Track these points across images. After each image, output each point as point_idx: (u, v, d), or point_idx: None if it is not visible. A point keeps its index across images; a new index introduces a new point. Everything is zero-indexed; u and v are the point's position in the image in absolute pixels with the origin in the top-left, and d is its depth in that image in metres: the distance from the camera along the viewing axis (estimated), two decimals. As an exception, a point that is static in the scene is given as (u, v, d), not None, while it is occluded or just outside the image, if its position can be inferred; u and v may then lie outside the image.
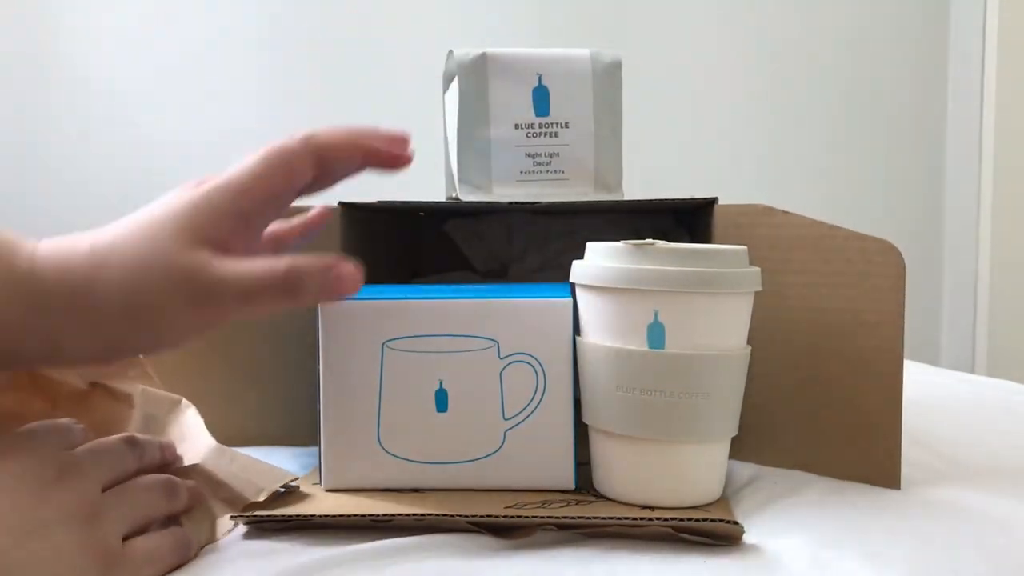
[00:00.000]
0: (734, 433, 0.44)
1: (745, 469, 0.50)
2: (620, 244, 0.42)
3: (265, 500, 0.42)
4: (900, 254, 0.47)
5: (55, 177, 1.63)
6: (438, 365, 0.45)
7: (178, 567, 0.36)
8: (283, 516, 0.40)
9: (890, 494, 0.46)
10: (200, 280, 0.33)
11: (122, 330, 0.33)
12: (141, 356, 0.36)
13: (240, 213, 0.34)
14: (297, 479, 0.44)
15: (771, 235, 0.51)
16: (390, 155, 0.37)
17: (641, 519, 0.39)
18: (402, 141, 0.38)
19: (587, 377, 0.44)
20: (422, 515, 0.39)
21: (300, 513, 0.40)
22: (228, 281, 0.33)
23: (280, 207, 0.36)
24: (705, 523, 0.38)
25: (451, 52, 0.59)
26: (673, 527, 0.38)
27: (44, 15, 1.61)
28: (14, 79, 1.62)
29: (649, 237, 0.47)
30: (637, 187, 0.66)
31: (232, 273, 0.33)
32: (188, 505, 0.38)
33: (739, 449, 0.49)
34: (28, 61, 1.61)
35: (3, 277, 0.32)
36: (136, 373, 0.45)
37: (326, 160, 0.36)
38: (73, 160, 1.62)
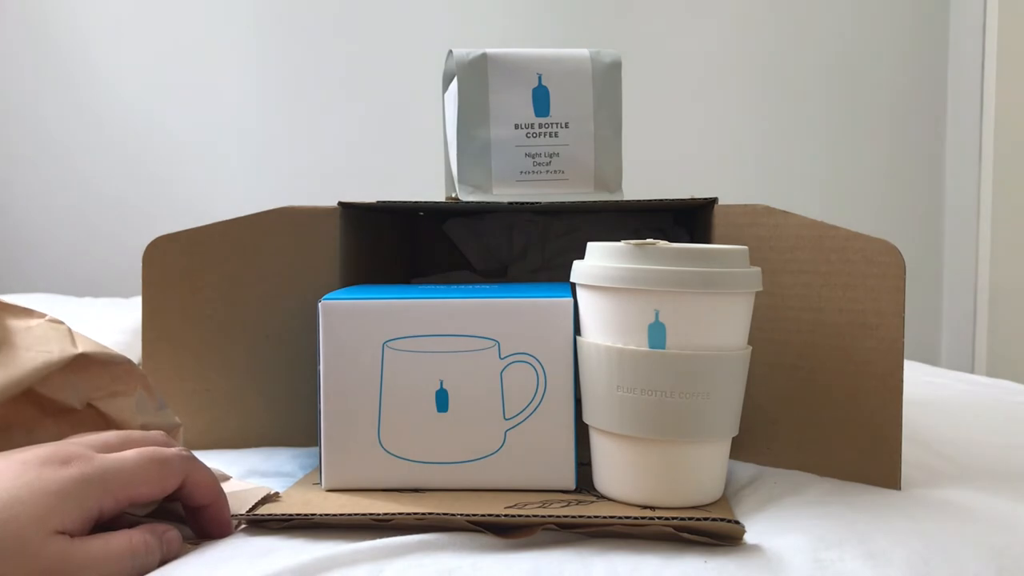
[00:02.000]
0: (734, 433, 0.44)
1: (745, 469, 0.50)
2: (621, 244, 0.42)
3: (266, 500, 0.42)
4: (900, 254, 0.47)
5: (58, 173, 1.63)
6: (438, 365, 0.45)
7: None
8: (284, 515, 0.40)
9: (890, 494, 0.46)
10: (63, 569, 0.33)
11: None
12: None
13: (102, 510, 0.35)
14: (277, 493, 0.44)
15: (771, 235, 0.51)
16: (219, 524, 0.40)
17: (642, 518, 0.39)
18: (229, 530, 0.40)
19: (587, 377, 0.44)
20: (423, 514, 0.39)
21: (301, 512, 0.40)
22: (89, 565, 0.33)
23: (139, 509, 0.39)
24: (706, 522, 0.38)
25: (451, 52, 0.59)
26: (674, 526, 0.38)
27: (45, 8, 1.61)
28: (14, 74, 1.62)
29: (649, 237, 0.47)
30: (637, 187, 0.66)
31: (92, 558, 0.34)
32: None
33: (739, 449, 0.49)
34: (29, 55, 1.61)
35: None
36: (127, 402, 0.43)
37: (186, 486, 0.38)
38: (76, 155, 1.62)
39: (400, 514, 0.40)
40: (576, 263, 0.45)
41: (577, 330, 0.45)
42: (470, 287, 0.51)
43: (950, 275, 1.50)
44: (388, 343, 0.45)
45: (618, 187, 0.61)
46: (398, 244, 0.74)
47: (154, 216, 1.55)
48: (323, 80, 1.58)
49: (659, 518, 0.39)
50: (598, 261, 0.44)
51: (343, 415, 0.45)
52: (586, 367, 0.44)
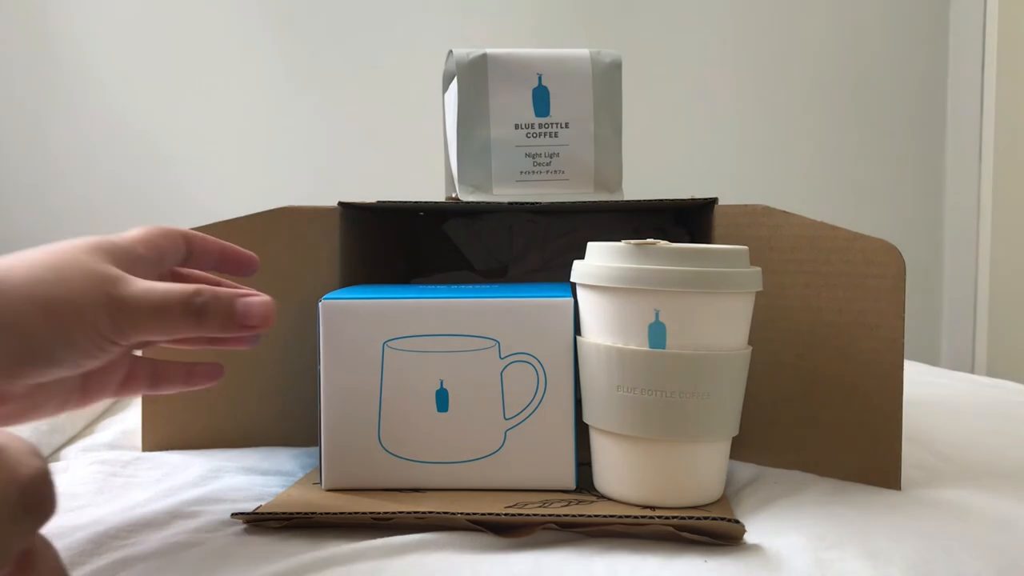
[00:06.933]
0: (734, 433, 0.44)
1: (745, 469, 0.50)
2: (621, 244, 0.42)
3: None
4: (900, 254, 0.47)
5: (57, 174, 1.63)
6: (439, 365, 0.45)
7: None
8: (284, 514, 0.40)
9: (890, 494, 0.46)
10: (118, 289, 0.34)
11: (34, 326, 0.32)
12: (50, 377, 0.35)
13: (136, 255, 0.37)
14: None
15: (771, 235, 0.51)
16: (239, 261, 0.43)
17: (642, 518, 0.39)
18: (251, 259, 0.44)
19: (588, 377, 0.44)
20: (423, 513, 0.39)
21: (301, 511, 0.40)
22: (141, 294, 0.34)
23: (161, 265, 0.40)
24: (706, 521, 0.38)
25: (451, 52, 0.59)
26: (674, 525, 0.38)
27: (44, 8, 1.61)
28: (14, 75, 1.62)
29: (649, 237, 0.47)
30: (637, 187, 0.66)
31: (145, 287, 0.35)
32: None
33: (739, 449, 0.49)
34: (28, 56, 1.61)
35: None
36: None
37: (192, 242, 0.41)
38: (75, 155, 1.62)
39: (400, 513, 0.40)
40: (576, 263, 0.45)
41: (577, 330, 0.45)
42: (470, 287, 0.51)
43: (950, 275, 1.50)
44: (388, 343, 0.45)
45: (618, 187, 0.61)
46: (398, 244, 0.74)
47: (154, 217, 1.55)
48: (323, 80, 1.58)
49: (659, 517, 0.39)
50: (598, 261, 0.44)
51: (343, 415, 0.45)
52: (586, 367, 0.44)
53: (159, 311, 0.35)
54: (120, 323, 0.34)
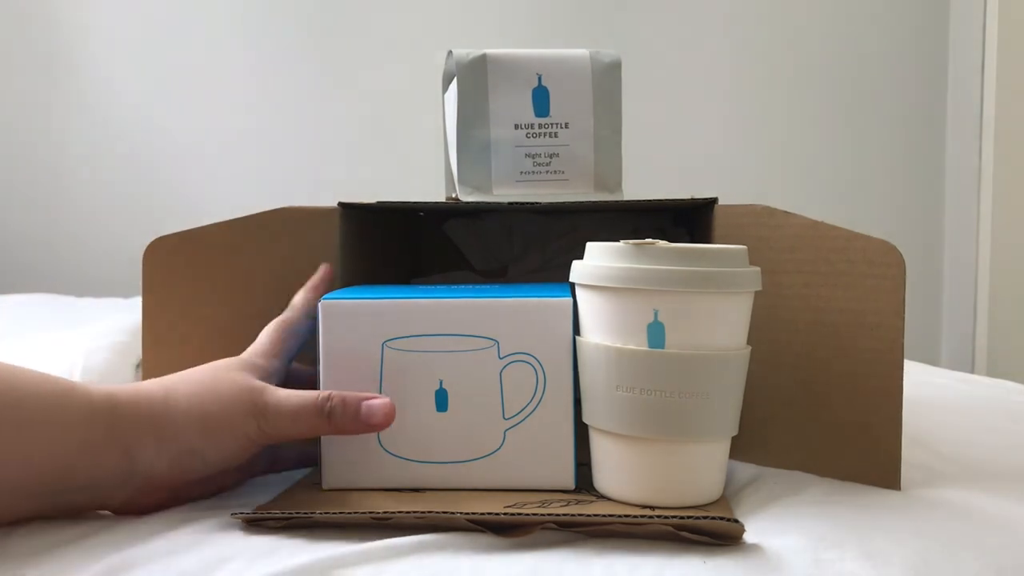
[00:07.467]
0: (734, 433, 0.44)
1: (745, 469, 0.50)
2: (620, 244, 0.42)
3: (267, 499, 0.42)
4: (900, 254, 0.47)
5: (58, 173, 1.63)
6: (438, 365, 0.45)
7: None
8: (283, 514, 0.40)
9: (890, 494, 0.46)
10: (262, 398, 0.41)
11: (192, 438, 0.40)
12: (202, 475, 0.42)
13: (274, 369, 0.45)
14: None
15: (771, 235, 0.51)
16: (322, 287, 0.52)
17: (641, 517, 0.39)
18: (328, 277, 0.53)
19: (587, 377, 0.44)
20: (422, 513, 0.39)
21: (300, 511, 0.40)
22: (282, 404, 0.41)
23: (290, 361, 0.48)
24: (705, 521, 0.38)
25: (451, 52, 0.59)
26: (673, 525, 0.38)
27: (45, 9, 1.61)
28: (14, 75, 1.62)
29: (649, 237, 0.47)
30: (637, 187, 0.66)
31: (283, 396, 0.42)
32: None
33: (739, 449, 0.49)
34: (29, 57, 1.61)
35: (84, 404, 0.39)
36: None
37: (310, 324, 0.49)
38: (75, 155, 1.62)
39: (400, 513, 0.40)
40: (575, 263, 0.45)
41: (576, 330, 0.45)
42: (470, 287, 0.51)
43: (950, 275, 1.50)
44: (388, 343, 0.45)
45: (618, 187, 0.61)
46: (398, 244, 0.74)
47: (154, 216, 1.55)
48: (323, 80, 1.58)
49: (658, 517, 0.39)
50: (597, 261, 0.44)
51: (343, 415, 0.45)
52: (585, 367, 0.44)
53: (296, 416, 0.41)
54: (264, 428, 0.41)
